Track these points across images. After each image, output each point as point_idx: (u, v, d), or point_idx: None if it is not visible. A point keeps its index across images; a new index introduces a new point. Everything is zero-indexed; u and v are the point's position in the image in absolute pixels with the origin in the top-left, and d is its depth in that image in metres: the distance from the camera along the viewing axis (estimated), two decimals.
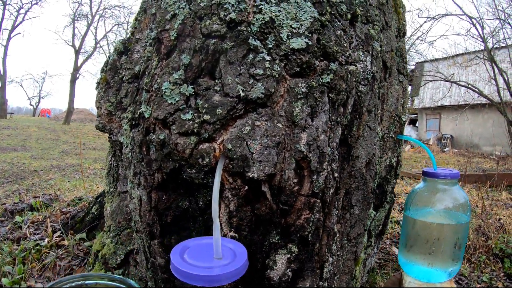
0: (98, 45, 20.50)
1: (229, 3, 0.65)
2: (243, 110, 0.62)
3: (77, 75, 19.14)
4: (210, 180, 0.65)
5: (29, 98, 33.51)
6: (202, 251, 0.55)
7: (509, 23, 8.64)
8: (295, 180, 0.66)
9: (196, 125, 0.62)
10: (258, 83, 0.61)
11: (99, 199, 1.11)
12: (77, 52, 19.26)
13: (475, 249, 1.20)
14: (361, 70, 0.75)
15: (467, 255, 1.18)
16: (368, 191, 0.83)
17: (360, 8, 0.79)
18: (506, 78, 8.25)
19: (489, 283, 1.06)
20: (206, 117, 0.62)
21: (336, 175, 0.72)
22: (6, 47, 19.08)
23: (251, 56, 0.62)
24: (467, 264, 1.17)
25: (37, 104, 33.72)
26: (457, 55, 12.11)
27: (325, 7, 0.70)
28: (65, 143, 7.99)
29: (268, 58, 0.62)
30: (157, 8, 0.75)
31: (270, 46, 0.64)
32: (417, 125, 16.44)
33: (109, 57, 0.84)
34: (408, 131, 15.62)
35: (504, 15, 8.75)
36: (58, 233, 1.06)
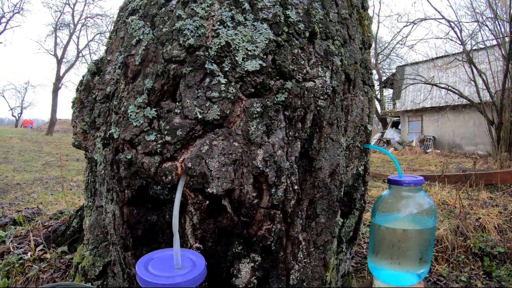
0: (80, 55, 21.10)
1: (188, 29, 0.72)
2: (202, 130, 0.70)
3: (60, 85, 19.68)
4: (173, 196, 0.73)
5: (11, 109, 34.09)
6: (164, 262, 0.63)
7: (486, 25, 9.23)
8: (254, 194, 0.74)
9: (159, 145, 0.70)
10: (214, 105, 0.69)
11: (79, 212, 1.19)
12: (59, 62, 19.78)
13: (454, 249, 1.27)
14: (320, 85, 0.83)
15: (445, 255, 1.25)
16: (333, 200, 0.91)
17: (320, 25, 0.86)
18: (485, 79, 8.75)
19: (468, 282, 1.13)
20: (168, 138, 0.70)
21: (296, 187, 0.79)
22: None
23: (207, 80, 0.70)
24: (446, 264, 1.24)
25: (19, 115, 34.39)
26: (436, 58, 13.02)
27: (281, 27, 0.78)
28: (48, 155, 8.14)
29: (223, 81, 0.70)
30: (125, 32, 0.83)
31: (227, 69, 0.71)
32: (399, 127, 17.31)
33: (83, 77, 0.92)
34: (391, 133, 16.76)
35: (482, 18, 9.36)
36: (41, 247, 1.15)
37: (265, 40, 0.74)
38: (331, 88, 0.86)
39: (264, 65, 0.72)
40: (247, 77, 0.71)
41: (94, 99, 0.90)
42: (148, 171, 0.72)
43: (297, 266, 0.85)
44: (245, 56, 0.72)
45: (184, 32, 0.72)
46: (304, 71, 0.80)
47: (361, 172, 1.01)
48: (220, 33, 0.72)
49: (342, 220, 0.97)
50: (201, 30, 0.73)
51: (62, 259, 1.08)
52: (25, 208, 1.77)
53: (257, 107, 0.72)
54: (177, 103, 0.72)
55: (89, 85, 0.91)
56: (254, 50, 0.73)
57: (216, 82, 0.70)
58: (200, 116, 0.69)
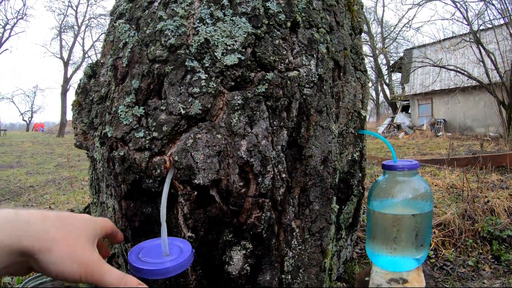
0: (86, 55, 22.04)
1: (169, 29, 0.77)
2: (186, 125, 0.75)
3: (68, 87, 20.79)
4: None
5: (21, 114, 35.88)
6: (154, 250, 0.69)
7: (493, 4, 9.44)
8: (241, 183, 0.78)
9: (147, 141, 0.76)
10: (196, 101, 0.74)
11: (87, 209, 1.29)
12: (66, 64, 20.81)
13: (461, 234, 1.26)
14: (305, 74, 0.86)
15: (452, 240, 1.25)
16: (327, 187, 0.94)
17: (303, 14, 0.89)
18: (493, 59, 9.00)
19: (475, 267, 1.13)
20: (155, 134, 0.75)
21: (284, 175, 0.83)
22: None
23: (188, 76, 0.75)
24: (453, 249, 1.23)
25: (30, 119, 36.13)
26: (444, 40, 13.64)
27: (261, 20, 0.81)
28: (60, 156, 8.53)
29: (204, 76, 0.75)
30: (113, 36, 0.89)
31: (207, 65, 0.76)
32: (409, 111, 17.68)
33: (80, 80, 1.00)
34: (401, 118, 17.16)
35: None
36: None
37: (244, 34, 0.78)
38: (317, 76, 0.89)
39: (243, 58, 0.76)
40: (227, 71, 0.76)
41: (91, 100, 0.97)
42: (140, 166, 0.78)
43: (291, 253, 0.89)
44: (224, 51, 0.76)
45: (165, 32, 0.77)
46: (287, 61, 0.83)
47: (357, 158, 1.04)
48: (199, 30, 0.77)
49: (338, 206, 1.00)
50: (181, 29, 0.78)
51: None
52: None
53: (238, 100, 0.76)
54: (162, 100, 0.77)
55: (86, 87, 0.98)
56: (233, 45, 0.77)
57: (197, 78, 0.74)
58: (183, 112, 0.74)
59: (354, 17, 1.04)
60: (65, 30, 21.65)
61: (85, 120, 0.97)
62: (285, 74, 0.82)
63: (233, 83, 0.76)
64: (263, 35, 0.81)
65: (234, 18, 0.79)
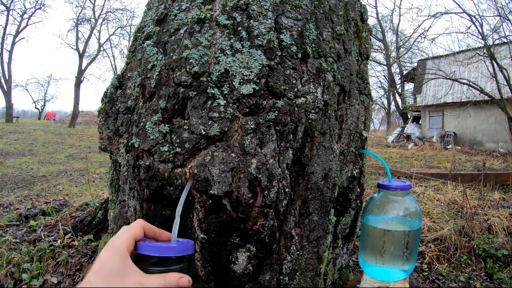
0: (102, 49, 23.65)
1: (193, 58, 1.01)
2: (205, 144, 0.99)
3: (82, 79, 22.18)
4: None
5: (34, 102, 38.35)
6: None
7: (509, 20, 10.66)
8: (250, 195, 1.02)
9: (171, 155, 1.00)
10: (215, 124, 0.98)
11: (104, 205, 1.54)
12: (81, 56, 22.43)
13: (456, 250, 1.49)
14: (311, 100, 1.09)
15: (447, 255, 1.48)
16: (326, 200, 1.18)
17: (313, 45, 1.11)
18: (506, 75, 10.24)
19: (467, 283, 1.37)
20: (178, 149, 1.00)
21: (287, 189, 1.07)
22: (10, 52, 23.20)
23: (209, 102, 0.98)
24: (447, 264, 1.47)
25: (42, 107, 38.85)
26: (458, 52, 15.26)
27: (275, 51, 1.04)
28: (71, 147, 9.08)
29: (223, 103, 0.98)
30: (141, 55, 1.12)
31: (226, 92, 0.99)
32: (420, 122, 19.35)
33: (107, 89, 1.24)
34: (411, 128, 18.81)
35: (504, 12, 10.86)
36: (69, 235, 1.52)
37: (259, 66, 1.01)
38: (323, 102, 1.12)
39: (257, 88, 0.99)
40: (243, 99, 0.99)
41: (117, 110, 1.21)
42: (163, 175, 1.03)
43: (289, 257, 1.14)
44: (241, 80, 0.99)
45: (190, 60, 1.01)
46: (296, 89, 1.06)
47: (356, 175, 1.27)
48: (220, 60, 1.00)
49: (335, 218, 1.24)
50: (204, 58, 1.01)
51: (88, 246, 1.45)
52: (52, 200, 2.20)
53: (251, 124, 0.99)
54: (185, 121, 1.01)
55: (112, 97, 1.22)
56: (249, 75, 1.00)
57: (216, 104, 0.98)
58: (203, 133, 0.98)
59: (362, 44, 1.26)
60: (82, 22, 23.37)
61: (111, 127, 1.21)
62: (293, 101, 1.05)
63: (247, 110, 1.00)
64: (276, 66, 1.04)
65: (251, 50, 1.02)
